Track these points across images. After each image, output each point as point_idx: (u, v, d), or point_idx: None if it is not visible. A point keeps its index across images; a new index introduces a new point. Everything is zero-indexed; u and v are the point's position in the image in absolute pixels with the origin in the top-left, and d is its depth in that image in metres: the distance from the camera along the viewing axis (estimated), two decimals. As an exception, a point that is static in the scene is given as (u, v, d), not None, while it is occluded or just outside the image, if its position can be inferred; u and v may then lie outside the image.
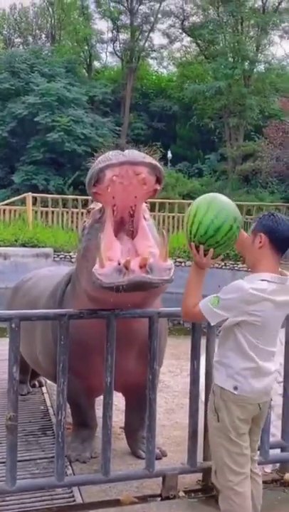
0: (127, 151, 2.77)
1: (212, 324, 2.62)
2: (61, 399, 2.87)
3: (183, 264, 13.61)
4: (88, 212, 3.23)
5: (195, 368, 3.17)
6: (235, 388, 2.61)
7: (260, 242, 2.60)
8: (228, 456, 2.63)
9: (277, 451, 3.53)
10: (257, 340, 2.57)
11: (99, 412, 3.45)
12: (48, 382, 4.97)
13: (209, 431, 2.77)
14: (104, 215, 2.96)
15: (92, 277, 2.69)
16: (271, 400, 2.87)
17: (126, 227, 3.02)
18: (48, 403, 4.69)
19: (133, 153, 2.76)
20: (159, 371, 3.81)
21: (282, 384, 3.50)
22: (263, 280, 2.55)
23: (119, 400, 4.14)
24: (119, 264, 2.66)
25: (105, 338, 2.90)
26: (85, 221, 3.23)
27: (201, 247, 2.56)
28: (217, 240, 2.54)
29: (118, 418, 4.10)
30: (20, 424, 3.98)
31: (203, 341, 3.26)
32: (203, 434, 3.20)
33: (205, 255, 2.58)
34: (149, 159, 2.77)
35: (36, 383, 5.16)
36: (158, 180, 2.85)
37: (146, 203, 3.13)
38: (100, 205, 3.06)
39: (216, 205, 2.58)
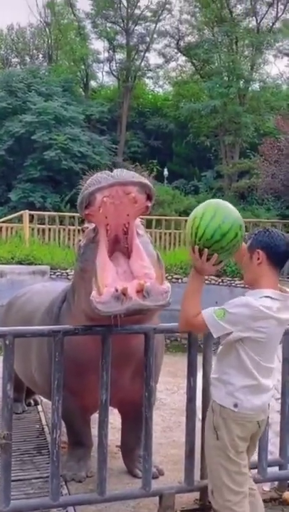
0: (115, 171, 2.80)
1: (215, 336, 2.58)
2: (56, 417, 2.83)
3: (180, 280, 13.60)
4: (83, 231, 3.25)
5: (191, 385, 3.13)
6: (236, 406, 2.58)
7: (258, 258, 2.60)
8: (227, 475, 2.58)
9: (276, 469, 3.48)
10: (259, 357, 2.56)
11: (94, 430, 3.40)
12: (44, 400, 4.91)
13: (206, 450, 2.73)
14: (98, 234, 2.97)
15: (91, 304, 2.69)
16: (268, 417, 2.85)
17: (121, 244, 3.02)
18: (44, 422, 4.62)
19: (122, 174, 2.79)
20: (156, 388, 3.77)
21: (279, 401, 3.47)
22: (266, 297, 2.55)
23: (115, 418, 4.09)
24: (116, 290, 2.67)
25: (100, 355, 2.87)
26: (80, 240, 3.24)
27: (206, 251, 2.53)
28: (222, 245, 2.53)
29: (114, 437, 4.05)
30: (15, 443, 3.92)
31: (199, 358, 3.24)
32: (200, 452, 3.16)
33: (207, 260, 2.57)
34: (138, 178, 2.80)
35: (32, 401, 5.10)
36: (149, 197, 2.88)
37: (141, 219, 3.14)
38: (93, 224, 3.07)
39: (224, 211, 2.58)
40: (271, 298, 2.54)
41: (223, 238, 2.51)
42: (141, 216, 3.08)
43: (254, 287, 2.64)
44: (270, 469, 3.38)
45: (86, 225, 3.23)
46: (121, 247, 3.02)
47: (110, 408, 3.59)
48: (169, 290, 2.74)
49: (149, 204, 2.89)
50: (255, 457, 3.34)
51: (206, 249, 2.53)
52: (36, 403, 5.09)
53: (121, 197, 2.79)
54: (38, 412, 4.89)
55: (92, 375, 3.07)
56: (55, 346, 2.80)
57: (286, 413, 3.40)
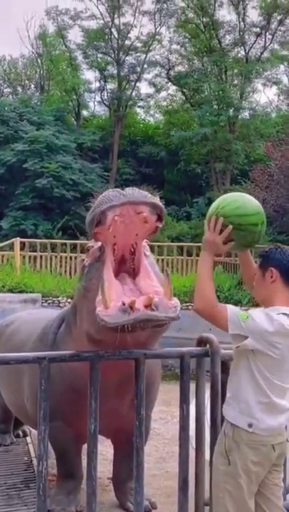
0: (127, 190, 2.74)
1: (229, 331, 2.51)
2: (42, 448, 2.70)
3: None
4: (87, 250, 3.17)
5: (184, 413, 3.02)
6: (250, 426, 2.49)
7: (272, 276, 2.60)
8: (233, 504, 2.47)
9: None
10: (272, 374, 2.49)
11: (85, 462, 3.26)
12: (33, 431, 4.75)
13: (214, 476, 2.62)
14: (104, 253, 2.90)
15: (97, 318, 2.60)
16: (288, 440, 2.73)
17: (127, 265, 2.98)
18: (32, 454, 4.47)
19: (134, 193, 2.73)
20: (151, 417, 3.65)
21: None
22: (283, 314, 2.51)
23: (107, 450, 3.96)
24: (123, 304, 2.59)
25: (88, 382, 2.76)
26: (84, 259, 3.17)
27: (221, 219, 2.54)
28: (240, 222, 2.57)
29: (106, 468, 3.92)
30: (1, 477, 3.78)
31: (193, 386, 3.13)
32: (195, 484, 3.03)
33: (221, 233, 2.56)
34: (150, 198, 2.75)
35: (20, 433, 4.95)
36: (159, 218, 2.83)
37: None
38: (99, 243, 3.00)
39: (255, 202, 2.69)
40: (287, 315, 2.51)
41: (244, 217, 2.57)
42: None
43: (266, 305, 2.61)
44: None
45: (91, 243, 3.17)
46: (127, 267, 2.98)
47: (102, 438, 3.47)
48: (178, 305, 2.69)
49: (160, 225, 2.85)
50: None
51: (221, 218, 2.54)
52: (25, 434, 4.94)
53: (132, 216, 2.74)
54: (27, 444, 4.75)
55: (86, 402, 2.95)
56: (41, 373, 2.69)
57: None
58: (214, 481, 2.62)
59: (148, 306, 2.59)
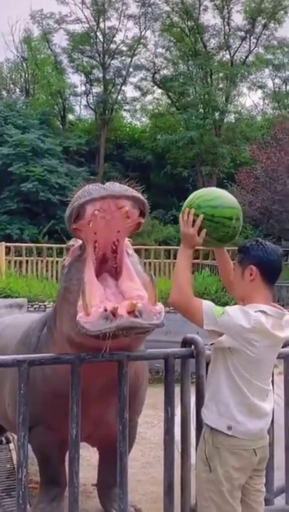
0: (108, 184, 2.63)
1: (204, 327, 2.39)
2: (22, 454, 2.60)
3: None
4: (68, 249, 3.07)
5: (169, 415, 2.94)
6: (229, 428, 2.38)
7: (251, 274, 2.47)
8: None
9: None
10: (250, 374, 2.38)
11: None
12: (16, 437, 4.65)
13: (197, 484, 2.51)
14: (85, 252, 2.79)
15: (78, 325, 2.49)
16: (269, 444, 2.64)
17: (108, 264, 2.85)
18: (15, 461, 4.36)
19: (114, 186, 2.61)
20: (137, 423, 3.57)
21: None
22: (261, 312, 2.39)
23: (91, 455, 3.88)
24: (105, 310, 2.48)
25: (70, 385, 2.68)
26: (65, 259, 3.06)
27: (193, 210, 2.49)
28: (213, 213, 2.50)
29: (90, 474, 3.83)
30: (-18, 485, 3.67)
31: (178, 388, 3.06)
32: (180, 488, 2.95)
33: (194, 223, 2.51)
34: (131, 192, 2.63)
35: (3, 439, 4.84)
36: (142, 213, 2.71)
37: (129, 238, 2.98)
38: (80, 241, 2.89)
39: (232, 198, 2.62)
40: (266, 313, 2.40)
41: (218, 209, 2.50)
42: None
43: (245, 304, 2.49)
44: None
45: (71, 242, 3.06)
46: (109, 267, 2.84)
47: (85, 444, 3.38)
48: (162, 311, 2.55)
49: (142, 220, 2.73)
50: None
51: (193, 209, 2.49)
52: (8, 441, 4.83)
53: (113, 211, 2.61)
54: (10, 451, 4.64)
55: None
56: (20, 377, 2.60)
57: (271, 444, 3.21)
58: (197, 489, 2.51)
59: (131, 312, 2.46)
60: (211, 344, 2.44)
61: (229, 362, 2.40)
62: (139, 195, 2.65)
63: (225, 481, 2.37)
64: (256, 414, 2.40)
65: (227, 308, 2.42)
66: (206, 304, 2.40)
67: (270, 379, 2.53)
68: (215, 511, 2.38)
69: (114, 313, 2.44)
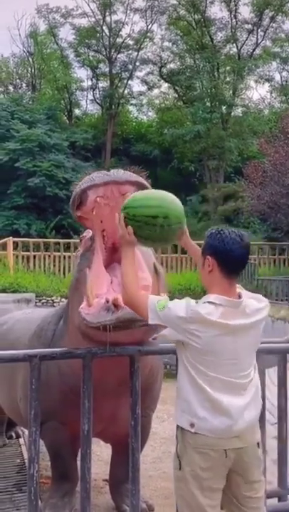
0: (112, 171, 2.59)
1: (150, 322, 2.32)
2: (33, 450, 2.58)
3: (167, 305, 13.38)
4: (80, 240, 3.04)
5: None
6: (192, 425, 2.26)
7: (209, 265, 2.34)
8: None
9: (275, 500, 3.23)
10: (205, 367, 2.25)
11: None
12: (26, 432, 4.63)
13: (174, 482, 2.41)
14: (95, 242, 2.74)
15: (79, 317, 2.46)
16: (259, 445, 2.43)
17: (118, 254, 2.80)
18: (25, 456, 4.35)
19: (118, 172, 2.58)
20: (151, 418, 3.54)
21: (276, 426, 3.25)
22: (209, 303, 2.28)
23: (102, 450, 3.86)
24: (107, 301, 2.44)
25: (81, 380, 2.65)
26: (79, 250, 3.04)
27: (120, 211, 2.44)
28: (134, 213, 2.42)
29: (101, 470, 3.82)
30: (-8, 481, 3.66)
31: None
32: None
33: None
34: (135, 178, 2.59)
35: (13, 434, 4.83)
36: None
37: None
38: (90, 232, 2.86)
39: (161, 195, 2.52)
40: (215, 304, 2.28)
41: (140, 208, 2.42)
42: None
43: (208, 293, 2.40)
44: (269, 501, 3.13)
45: (84, 233, 3.04)
46: (119, 256, 2.82)
47: (97, 439, 3.36)
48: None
49: None
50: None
51: (120, 211, 2.45)
52: (18, 436, 4.82)
53: (116, 198, 2.58)
54: (20, 446, 4.63)
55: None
56: (32, 372, 2.57)
57: (284, 439, 3.18)
58: (174, 489, 2.42)
59: None
60: (154, 339, 2.39)
61: (184, 356, 2.31)
62: (143, 180, 2.61)
63: (193, 480, 2.26)
64: (222, 410, 2.25)
65: (171, 301, 2.34)
66: (151, 299, 2.33)
67: (246, 372, 2.33)
68: (186, 510, 2.30)
69: (115, 305, 2.41)
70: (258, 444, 2.41)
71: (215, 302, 2.29)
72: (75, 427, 3.12)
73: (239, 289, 2.42)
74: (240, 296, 2.37)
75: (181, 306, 2.28)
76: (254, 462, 2.38)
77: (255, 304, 2.38)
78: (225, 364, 2.28)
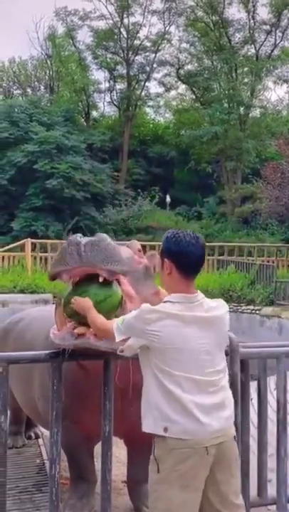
0: (86, 248, 2.63)
1: (116, 339, 2.35)
2: (55, 451, 2.59)
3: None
4: None
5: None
6: (165, 430, 2.22)
7: (167, 268, 2.35)
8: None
9: None
10: (169, 366, 2.22)
11: (98, 464, 3.15)
12: (45, 433, 4.65)
13: (149, 487, 2.37)
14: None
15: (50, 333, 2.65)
16: (236, 438, 2.41)
17: None
18: (45, 456, 4.35)
19: (93, 253, 2.62)
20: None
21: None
22: (165, 302, 2.32)
23: (120, 452, 3.85)
24: (74, 328, 2.65)
25: (101, 379, 2.65)
26: None
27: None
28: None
29: (120, 471, 3.81)
30: (13, 481, 3.68)
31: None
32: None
33: None
34: (108, 262, 2.63)
35: (32, 434, 4.84)
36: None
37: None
38: None
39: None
40: (171, 302, 2.30)
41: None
42: (144, 243, 2.98)
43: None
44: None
45: None
46: None
47: (116, 439, 3.35)
48: None
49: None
50: (273, 491, 3.08)
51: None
52: (37, 436, 4.83)
53: (90, 272, 2.74)
54: (39, 446, 4.64)
55: (97, 399, 2.85)
56: (53, 373, 2.59)
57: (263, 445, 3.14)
58: (149, 489, 2.38)
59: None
60: (121, 351, 2.39)
61: (148, 360, 2.29)
62: (116, 268, 2.64)
63: (172, 480, 2.22)
64: (194, 411, 2.20)
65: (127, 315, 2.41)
66: (114, 321, 2.41)
67: (213, 369, 2.28)
68: (164, 507, 2.23)
69: (79, 334, 2.58)
70: (234, 437, 2.39)
71: (171, 300, 2.31)
72: (88, 426, 3.13)
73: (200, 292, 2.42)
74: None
75: (136, 311, 2.32)
76: (233, 457, 2.37)
77: (213, 303, 2.42)
78: (189, 361, 2.23)
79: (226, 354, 2.91)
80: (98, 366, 2.74)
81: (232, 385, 2.92)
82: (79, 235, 2.75)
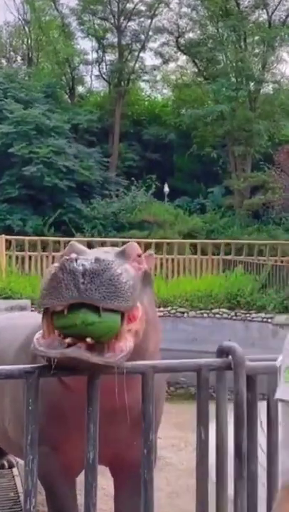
0: (86, 279, 2.60)
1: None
2: (30, 482, 2.59)
3: (185, 315, 13.38)
4: (61, 257, 3.10)
5: (202, 438, 2.90)
6: None
7: None
8: None
9: None
10: None
11: (81, 498, 3.16)
12: (20, 462, 4.66)
13: None
14: None
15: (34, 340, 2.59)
16: None
17: None
18: (20, 489, 4.38)
19: (93, 288, 2.59)
20: (155, 442, 3.54)
21: None
22: None
23: (108, 483, 3.87)
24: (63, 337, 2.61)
25: (84, 398, 2.66)
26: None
27: None
28: None
29: (107, 506, 3.83)
30: (-18, 517, 3.68)
31: (212, 406, 3.03)
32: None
33: None
34: (111, 303, 2.61)
35: (5, 463, 4.86)
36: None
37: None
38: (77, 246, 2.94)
39: None
40: None
41: None
42: (138, 240, 2.98)
43: None
44: None
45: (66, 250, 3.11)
46: None
47: (102, 469, 3.36)
48: (126, 349, 2.63)
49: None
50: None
51: None
52: (11, 466, 4.85)
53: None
54: (13, 477, 4.66)
55: (79, 421, 2.85)
56: (28, 391, 2.58)
57: None
58: None
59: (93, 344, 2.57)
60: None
61: None
62: (120, 306, 2.62)
63: None
64: None
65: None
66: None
67: None
68: None
69: (70, 344, 2.56)
70: None
71: None
72: (69, 452, 3.14)
73: None
74: None
75: None
76: None
77: None
78: None
79: (230, 368, 2.93)
80: (81, 383, 2.74)
81: (237, 405, 2.93)
82: (74, 255, 2.69)
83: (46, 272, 2.77)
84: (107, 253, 2.99)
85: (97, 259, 2.63)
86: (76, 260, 2.61)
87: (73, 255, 2.68)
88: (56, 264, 2.67)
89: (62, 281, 2.56)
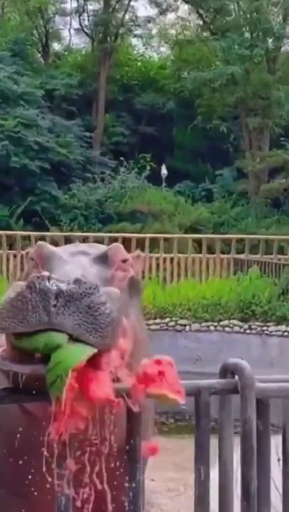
0: (60, 303, 2.61)
1: None
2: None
3: (187, 327, 13.36)
4: (27, 254, 3.12)
5: (202, 477, 2.92)
6: None
7: None
8: None
9: None
10: None
11: None
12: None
13: None
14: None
15: None
16: None
17: None
18: None
19: (66, 314, 2.61)
20: (141, 482, 3.57)
21: None
22: None
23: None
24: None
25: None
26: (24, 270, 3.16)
27: None
28: None
29: None
30: None
31: (215, 438, 3.06)
32: None
33: None
34: (84, 336, 2.65)
35: None
36: None
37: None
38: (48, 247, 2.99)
39: None
40: None
41: None
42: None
43: None
44: None
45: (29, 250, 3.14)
46: None
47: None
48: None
49: None
50: None
51: None
52: None
53: None
54: None
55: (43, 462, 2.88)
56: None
57: None
58: None
59: None
60: None
61: None
62: (95, 342, 2.65)
63: None
64: None
65: None
66: None
67: None
68: None
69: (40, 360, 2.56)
70: None
71: None
72: (34, 497, 3.16)
73: None
74: None
75: None
76: None
77: None
78: None
79: (236, 392, 2.95)
80: (49, 411, 2.76)
81: (245, 436, 2.96)
82: (46, 273, 2.69)
83: (11, 287, 2.75)
84: (85, 268, 3.00)
85: (77, 281, 2.63)
86: (49, 279, 2.62)
87: (45, 273, 2.68)
88: (23, 283, 2.68)
89: (29, 302, 2.56)
